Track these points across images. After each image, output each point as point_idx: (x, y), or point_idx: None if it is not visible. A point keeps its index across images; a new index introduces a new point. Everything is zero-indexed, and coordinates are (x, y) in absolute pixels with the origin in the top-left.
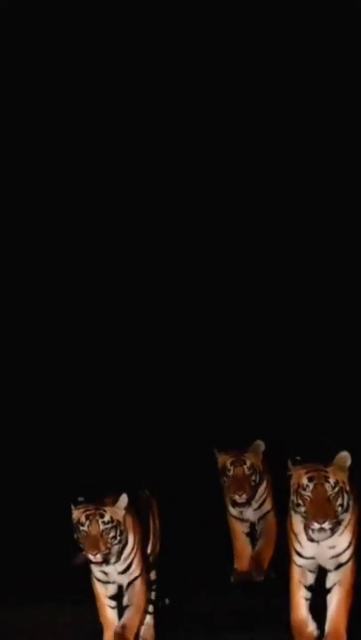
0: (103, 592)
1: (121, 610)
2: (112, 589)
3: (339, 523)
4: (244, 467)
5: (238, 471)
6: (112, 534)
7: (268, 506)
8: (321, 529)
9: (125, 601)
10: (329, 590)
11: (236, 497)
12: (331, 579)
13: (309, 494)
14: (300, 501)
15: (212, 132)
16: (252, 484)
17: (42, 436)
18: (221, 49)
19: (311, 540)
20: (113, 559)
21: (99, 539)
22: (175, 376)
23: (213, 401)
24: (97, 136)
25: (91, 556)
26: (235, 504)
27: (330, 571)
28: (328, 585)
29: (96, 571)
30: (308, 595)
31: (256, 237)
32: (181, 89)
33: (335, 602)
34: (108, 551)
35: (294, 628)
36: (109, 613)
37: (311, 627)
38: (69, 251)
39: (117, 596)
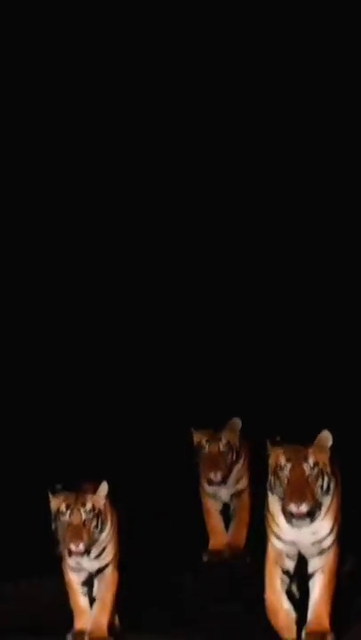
0: (75, 579)
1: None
2: (84, 576)
3: (319, 506)
4: (220, 444)
5: (214, 449)
6: (94, 524)
7: (242, 484)
8: (299, 513)
9: (95, 590)
10: (311, 576)
11: (212, 475)
12: (312, 565)
13: (287, 475)
14: (278, 482)
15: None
16: (228, 462)
17: (8, 418)
18: (221, 42)
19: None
20: (94, 549)
21: (82, 528)
22: (150, 354)
23: (189, 378)
24: (93, 120)
25: (73, 547)
26: (210, 482)
27: (311, 557)
28: (310, 570)
29: (69, 559)
30: (286, 579)
31: (236, 225)
32: (181, 90)
33: (318, 588)
34: (90, 541)
35: (269, 609)
36: (81, 601)
37: (287, 606)
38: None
39: (89, 583)
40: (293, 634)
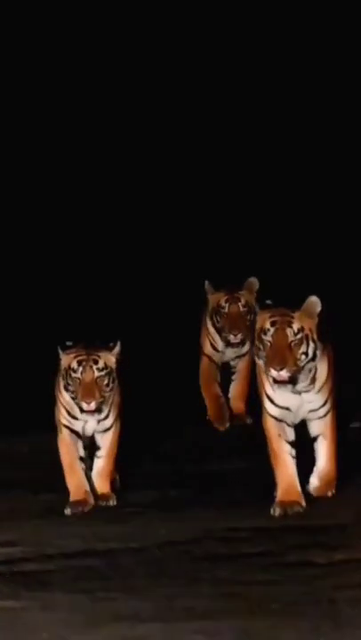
0: (69, 439)
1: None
2: (81, 449)
3: (308, 372)
4: (240, 304)
5: (233, 309)
6: (106, 382)
7: (247, 347)
8: (280, 378)
9: (99, 442)
10: (314, 440)
11: (232, 336)
12: (313, 429)
13: (270, 339)
14: (261, 346)
15: None
16: (247, 322)
17: (23, 277)
18: (220, 39)
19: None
20: (105, 409)
21: (94, 386)
22: (164, 213)
23: (203, 237)
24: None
25: (84, 404)
26: (229, 344)
27: (310, 421)
28: (312, 434)
29: (69, 419)
30: (293, 451)
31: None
32: (178, 85)
33: (323, 451)
34: (102, 399)
35: (283, 489)
36: (80, 471)
37: (299, 487)
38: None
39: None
40: (299, 496)
